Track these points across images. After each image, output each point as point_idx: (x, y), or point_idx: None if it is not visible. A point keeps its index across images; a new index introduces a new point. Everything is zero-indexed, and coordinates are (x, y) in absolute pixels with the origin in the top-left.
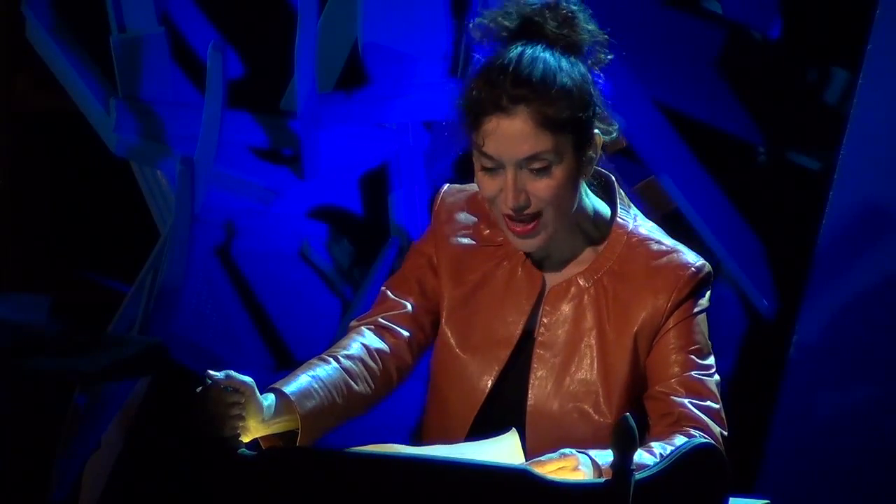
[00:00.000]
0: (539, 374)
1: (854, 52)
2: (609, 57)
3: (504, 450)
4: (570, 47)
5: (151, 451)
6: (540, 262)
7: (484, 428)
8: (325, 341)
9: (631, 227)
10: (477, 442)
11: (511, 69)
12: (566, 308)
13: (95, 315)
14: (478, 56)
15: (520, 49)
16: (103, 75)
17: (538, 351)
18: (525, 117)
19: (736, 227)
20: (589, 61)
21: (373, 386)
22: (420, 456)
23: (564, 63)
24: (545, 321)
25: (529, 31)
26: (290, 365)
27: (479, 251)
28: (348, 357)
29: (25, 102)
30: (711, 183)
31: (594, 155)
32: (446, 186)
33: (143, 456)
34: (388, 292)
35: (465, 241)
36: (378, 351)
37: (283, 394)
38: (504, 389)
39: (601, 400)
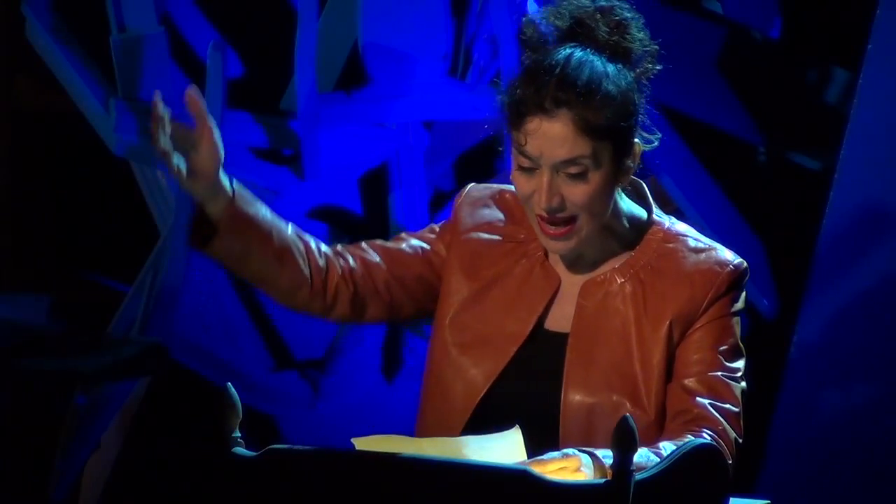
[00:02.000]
0: (572, 369)
1: (854, 52)
2: (657, 68)
3: (506, 446)
4: (618, 53)
5: (151, 451)
6: (572, 263)
7: (486, 423)
8: (324, 341)
9: (667, 225)
10: (479, 437)
11: (557, 71)
12: (601, 302)
13: (95, 315)
14: (478, 57)
15: (568, 51)
16: (103, 75)
17: (572, 345)
18: (566, 121)
19: (736, 227)
20: (637, 70)
21: (305, 266)
22: (420, 456)
23: (611, 69)
24: (579, 315)
25: (580, 33)
26: (290, 365)
27: (499, 247)
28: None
29: (25, 102)
30: (711, 183)
31: (632, 164)
32: (472, 184)
33: (143, 456)
34: (376, 241)
35: (486, 236)
36: (327, 255)
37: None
38: (536, 386)
39: (641, 392)
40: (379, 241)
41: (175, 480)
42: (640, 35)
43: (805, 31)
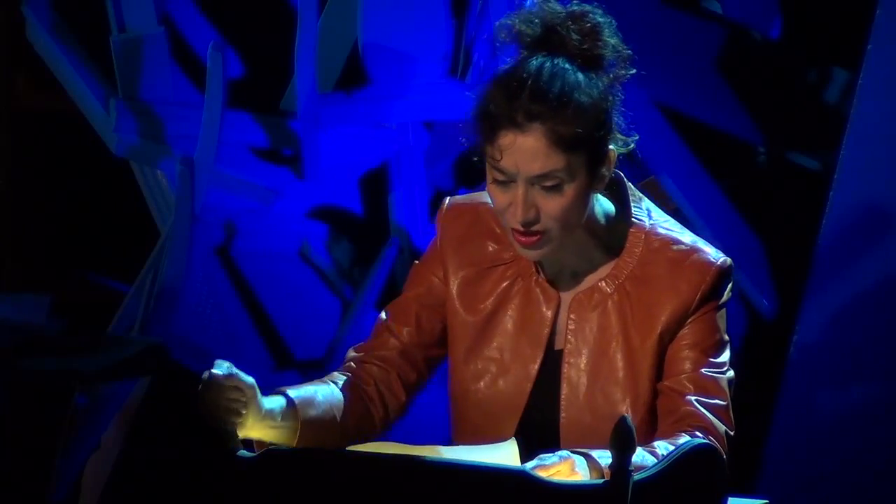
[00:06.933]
0: (569, 386)
1: (854, 52)
2: (631, 72)
3: (501, 456)
4: (590, 61)
5: (151, 451)
6: (556, 275)
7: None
8: (324, 341)
9: (648, 226)
10: (474, 447)
11: (529, 84)
12: (591, 316)
13: (95, 315)
14: (478, 57)
15: (539, 61)
16: (103, 75)
17: (567, 362)
18: (539, 135)
19: (736, 227)
20: (610, 76)
21: (365, 416)
22: (420, 456)
23: (583, 79)
24: (571, 331)
25: (551, 41)
26: (290, 365)
27: (489, 273)
28: (343, 386)
29: (25, 102)
30: (711, 183)
31: (607, 172)
32: (447, 202)
33: (143, 456)
34: (386, 321)
35: (476, 269)
36: (367, 388)
37: (289, 398)
38: (533, 405)
39: (635, 402)
40: (388, 328)
41: (175, 480)
42: (613, 40)
43: (805, 31)
